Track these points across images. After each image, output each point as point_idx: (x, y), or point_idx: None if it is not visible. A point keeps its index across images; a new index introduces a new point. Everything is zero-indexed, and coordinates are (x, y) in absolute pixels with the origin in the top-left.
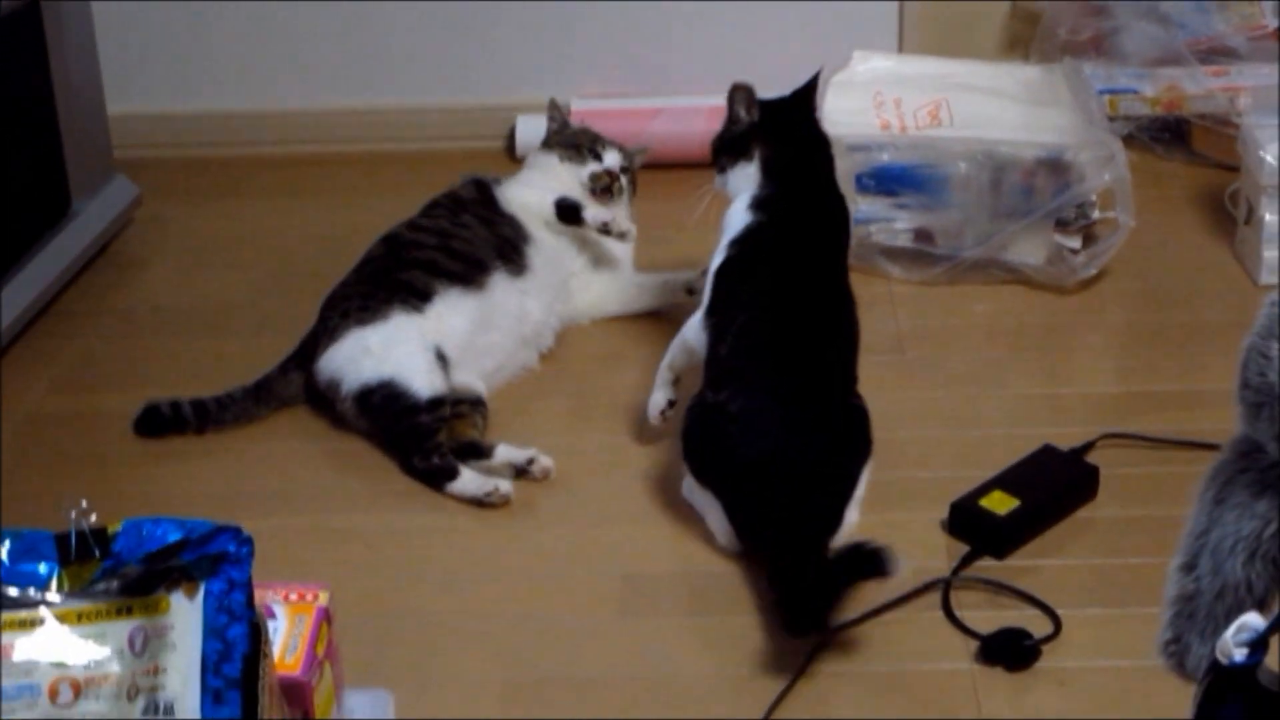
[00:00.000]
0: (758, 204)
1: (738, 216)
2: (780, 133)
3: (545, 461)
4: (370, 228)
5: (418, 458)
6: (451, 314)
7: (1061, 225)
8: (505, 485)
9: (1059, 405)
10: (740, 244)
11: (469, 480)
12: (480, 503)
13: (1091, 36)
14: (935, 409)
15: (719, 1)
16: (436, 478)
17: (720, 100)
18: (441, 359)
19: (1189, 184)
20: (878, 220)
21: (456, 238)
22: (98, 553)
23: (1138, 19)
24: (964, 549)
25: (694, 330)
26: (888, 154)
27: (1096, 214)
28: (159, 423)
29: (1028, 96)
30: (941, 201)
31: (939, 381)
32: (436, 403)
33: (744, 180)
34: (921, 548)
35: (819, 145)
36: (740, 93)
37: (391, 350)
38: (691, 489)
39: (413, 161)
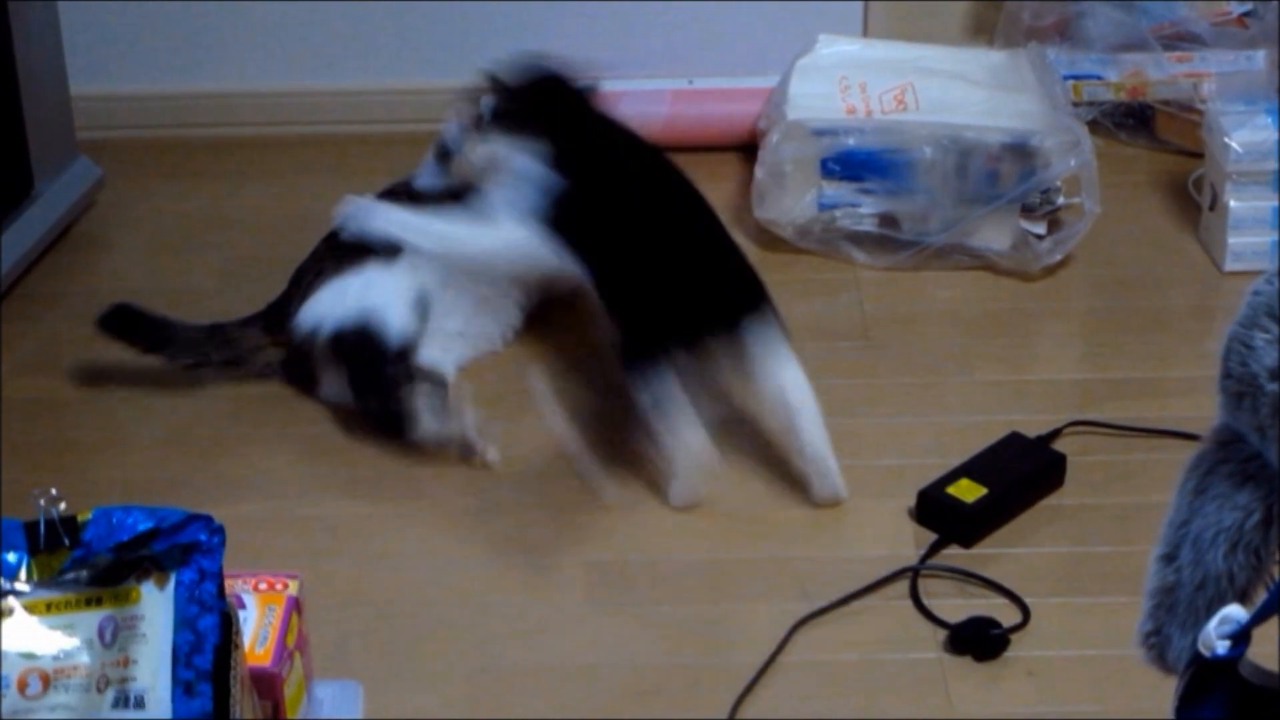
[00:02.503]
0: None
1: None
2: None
3: (494, 455)
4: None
5: (383, 400)
6: (421, 266)
7: (1027, 211)
8: (493, 453)
9: (1025, 392)
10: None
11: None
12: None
13: (1055, 21)
14: (901, 396)
15: None
16: (400, 423)
17: (683, 83)
18: (420, 305)
19: (1153, 170)
20: (843, 205)
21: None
22: (67, 541)
23: (1102, 4)
24: (932, 537)
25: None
26: (853, 139)
27: (1061, 200)
28: (121, 320)
29: (993, 81)
30: (907, 186)
31: (904, 368)
32: (405, 350)
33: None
34: (889, 536)
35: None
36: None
37: (370, 291)
38: (659, 419)
39: (380, 143)
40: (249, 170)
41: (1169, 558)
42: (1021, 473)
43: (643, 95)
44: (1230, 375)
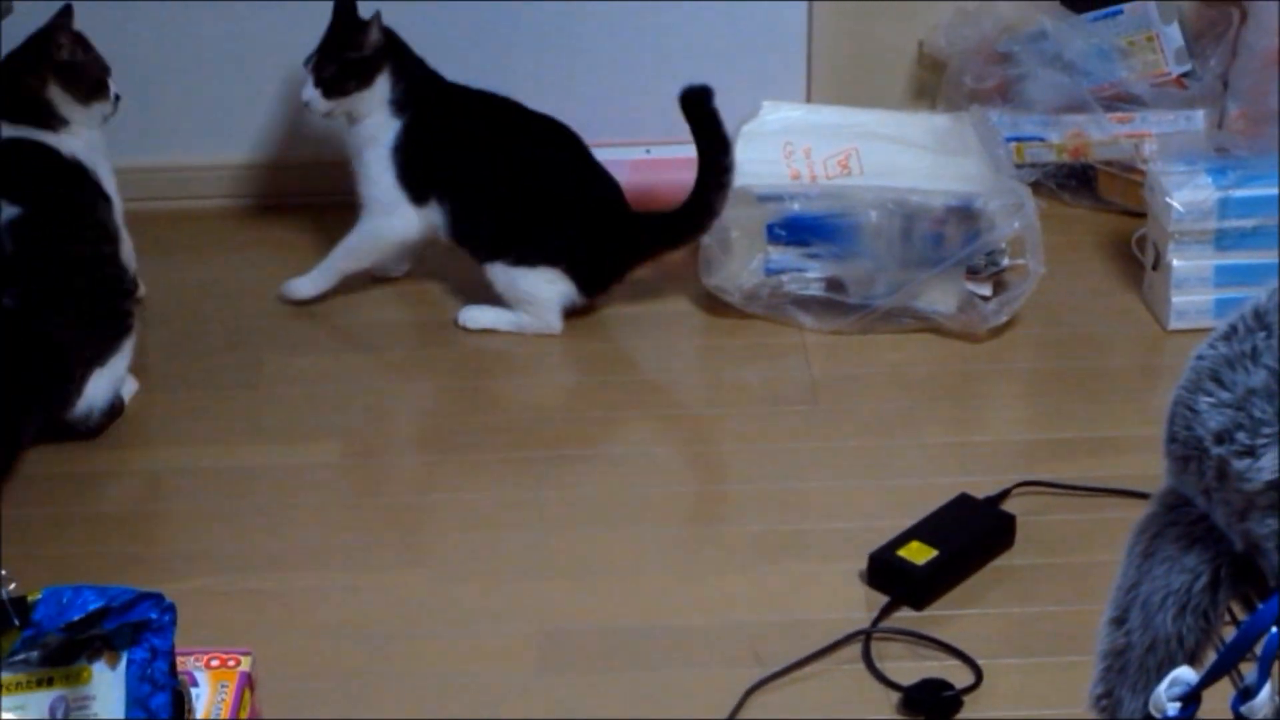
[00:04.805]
0: (399, 106)
1: (386, 126)
2: (397, 47)
3: None
4: (268, 281)
5: None
6: None
7: (972, 273)
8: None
9: (974, 453)
10: (410, 138)
11: None
12: None
13: (997, 84)
14: (850, 459)
15: (624, 52)
16: None
17: (641, 153)
18: None
19: (1096, 230)
20: (789, 270)
21: None
22: (18, 622)
23: (1042, 67)
24: (883, 600)
25: (396, 227)
26: (799, 204)
27: (1006, 261)
28: None
29: (936, 145)
30: (853, 251)
31: (853, 431)
32: None
33: (376, 98)
34: (841, 599)
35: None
36: (378, 18)
37: None
38: (508, 286)
39: (315, 214)
40: (179, 243)
41: (1119, 621)
42: (972, 534)
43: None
44: (1175, 439)
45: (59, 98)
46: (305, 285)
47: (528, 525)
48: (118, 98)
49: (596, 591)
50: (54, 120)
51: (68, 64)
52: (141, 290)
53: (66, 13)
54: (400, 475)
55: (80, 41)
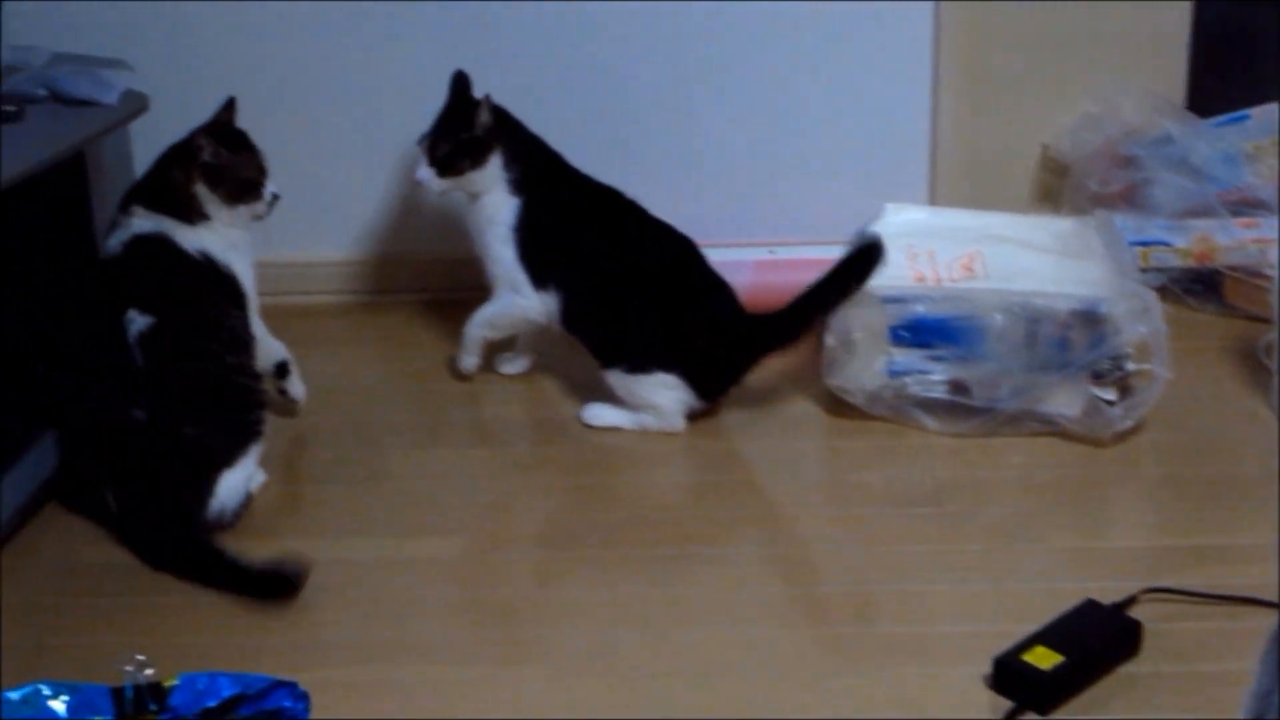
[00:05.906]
0: (517, 186)
1: (504, 204)
2: (511, 128)
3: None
4: (392, 375)
5: None
6: None
7: (1097, 377)
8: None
9: (1099, 559)
10: (528, 219)
11: None
12: None
13: (1122, 189)
14: (974, 562)
15: (750, 154)
16: None
17: (764, 253)
18: None
19: (1222, 335)
20: (913, 372)
21: None
22: (154, 707)
23: (1167, 171)
24: (1008, 705)
25: (522, 305)
26: (923, 306)
27: (1132, 366)
28: None
29: (1060, 248)
30: (977, 353)
31: (977, 534)
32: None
33: (490, 176)
34: (965, 703)
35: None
36: (487, 99)
37: None
38: (627, 392)
39: (430, 309)
40: (307, 338)
41: None
42: (1098, 640)
43: (728, 265)
44: None
45: (205, 196)
46: (464, 361)
47: (647, 623)
48: (275, 197)
49: (715, 692)
50: (194, 215)
51: (211, 165)
52: (299, 393)
53: (228, 107)
54: (522, 570)
55: (230, 141)
